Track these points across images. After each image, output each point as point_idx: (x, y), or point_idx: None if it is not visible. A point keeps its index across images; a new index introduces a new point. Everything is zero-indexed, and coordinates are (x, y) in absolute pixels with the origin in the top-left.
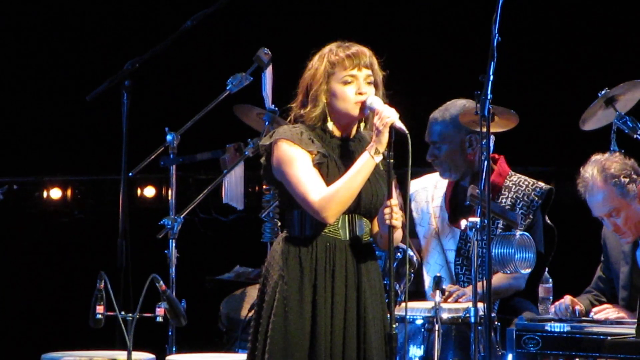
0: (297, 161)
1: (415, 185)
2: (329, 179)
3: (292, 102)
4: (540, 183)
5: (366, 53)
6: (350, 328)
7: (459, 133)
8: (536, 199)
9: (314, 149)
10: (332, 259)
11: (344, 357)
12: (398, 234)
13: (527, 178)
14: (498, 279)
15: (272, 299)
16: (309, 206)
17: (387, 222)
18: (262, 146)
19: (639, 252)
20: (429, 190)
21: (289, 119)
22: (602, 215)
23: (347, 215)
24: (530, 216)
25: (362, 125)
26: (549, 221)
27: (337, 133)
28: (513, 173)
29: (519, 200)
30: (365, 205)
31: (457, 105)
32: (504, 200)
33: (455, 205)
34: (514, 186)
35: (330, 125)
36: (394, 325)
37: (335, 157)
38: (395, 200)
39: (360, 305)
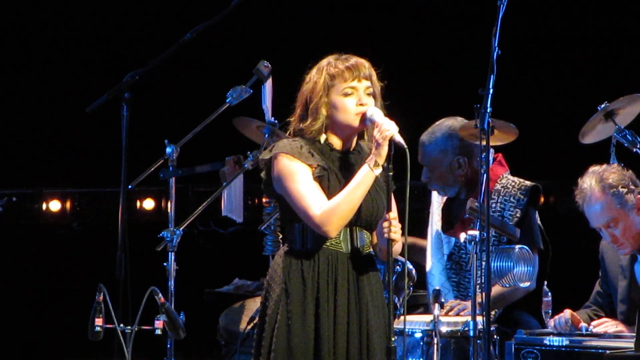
0: (298, 175)
1: (433, 193)
2: (330, 192)
3: (291, 116)
4: (526, 182)
5: (365, 64)
6: (353, 341)
7: (446, 156)
8: (522, 197)
9: (313, 163)
10: (334, 272)
11: None
12: (397, 247)
13: (514, 179)
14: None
15: (274, 313)
16: (310, 220)
17: (386, 235)
18: (262, 160)
19: (637, 266)
20: (436, 198)
21: (288, 132)
22: (600, 225)
23: (348, 228)
24: (518, 215)
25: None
26: (539, 223)
27: (337, 146)
28: (504, 175)
29: (507, 203)
30: (366, 217)
31: (443, 128)
32: (493, 205)
33: (448, 215)
34: (502, 189)
35: (330, 137)
36: (393, 339)
37: (336, 170)
38: (394, 214)
39: (363, 317)
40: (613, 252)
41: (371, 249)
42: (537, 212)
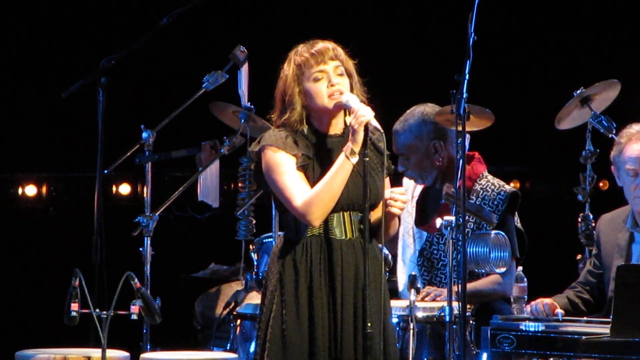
0: (282, 167)
1: (404, 183)
2: (314, 180)
3: (272, 113)
4: (505, 187)
5: (329, 47)
6: (348, 328)
7: (422, 142)
8: (501, 203)
9: (298, 152)
10: (326, 260)
11: (343, 358)
12: (394, 224)
13: (494, 182)
14: (482, 282)
15: (270, 303)
16: (294, 211)
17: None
18: (252, 152)
19: (635, 246)
20: (410, 188)
21: (272, 129)
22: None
23: (342, 213)
24: (495, 220)
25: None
26: (519, 224)
27: (321, 132)
28: (484, 175)
29: (485, 206)
30: (358, 201)
31: (416, 115)
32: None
33: (423, 208)
34: (481, 191)
35: (313, 125)
36: (369, 324)
37: (322, 157)
38: (400, 189)
39: (358, 303)
40: (609, 231)
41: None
42: (514, 216)
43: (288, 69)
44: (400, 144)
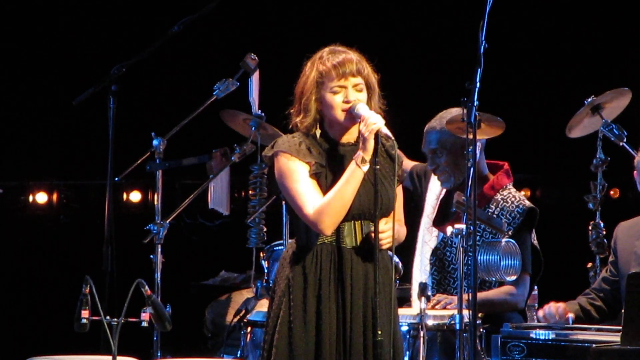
0: (295, 174)
1: (430, 186)
2: (326, 188)
3: (291, 108)
4: (525, 201)
5: (353, 60)
6: (357, 337)
7: (458, 138)
8: (518, 215)
9: (311, 160)
10: (336, 268)
11: None
12: (401, 235)
13: (516, 195)
14: (494, 292)
15: (278, 308)
16: (306, 219)
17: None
18: (265, 157)
19: None
20: (437, 186)
21: (290, 125)
22: None
23: (352, 222)
24: (510, 232)
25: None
26: (535, 242)
27: (334, 139)
28: (507, 187)
29: (502, 217)
30: (370, 210)
31: (453, 113)
32: (489, 213)
33: (444, 208)
34: (501, 201)
35: (326, 132)
36: (379, 332)
37: (334, 165)
38: (383, 225)
39: (368, 312)
40: (627, 239)
41: None
42: (531, 233)
43: (310, 72)
44: (436, 139)
